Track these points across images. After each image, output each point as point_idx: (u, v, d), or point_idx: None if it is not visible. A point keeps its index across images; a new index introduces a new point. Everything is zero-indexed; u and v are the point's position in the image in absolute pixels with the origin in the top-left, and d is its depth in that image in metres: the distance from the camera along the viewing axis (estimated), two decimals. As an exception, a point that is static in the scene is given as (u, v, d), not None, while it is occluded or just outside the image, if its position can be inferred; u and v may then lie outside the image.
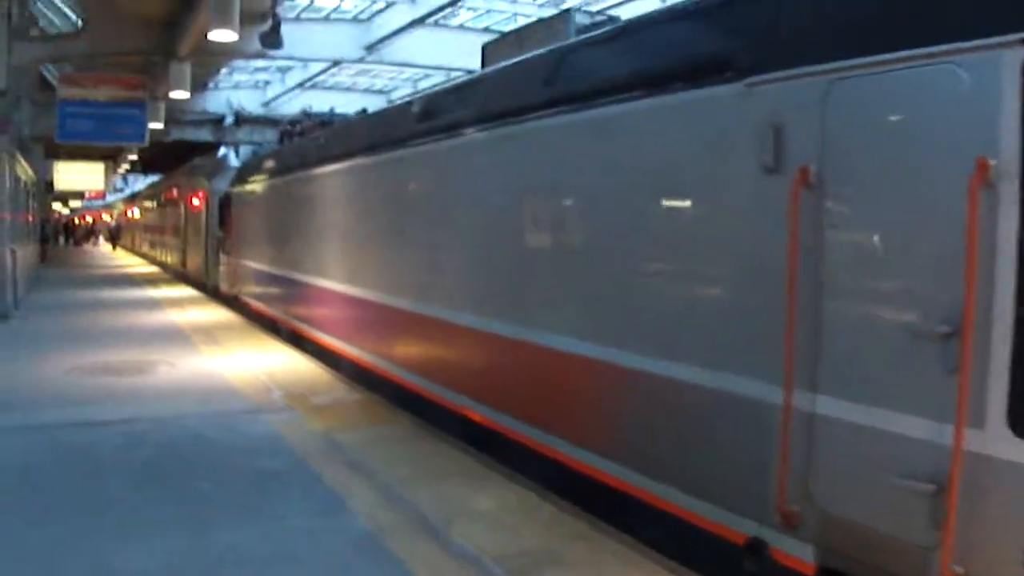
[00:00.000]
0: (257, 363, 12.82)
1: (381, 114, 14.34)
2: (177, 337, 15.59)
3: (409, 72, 27.54)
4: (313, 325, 14.29)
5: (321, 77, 27.55)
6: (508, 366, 7.84)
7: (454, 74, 20.22)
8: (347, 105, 22.04)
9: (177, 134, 30.45)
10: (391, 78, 29.27)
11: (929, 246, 4.31)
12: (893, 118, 4.48)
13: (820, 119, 4.75)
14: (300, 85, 28.21)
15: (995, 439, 4.02)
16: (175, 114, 28.11)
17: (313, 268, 14.15)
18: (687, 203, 5.96)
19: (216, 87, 29.87)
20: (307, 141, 16.23)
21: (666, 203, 6.14)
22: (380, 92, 30.36)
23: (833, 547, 4.78)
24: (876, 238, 4.59)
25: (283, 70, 28.44)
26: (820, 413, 4.78)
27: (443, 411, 9.02)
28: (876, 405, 4.50)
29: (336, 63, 24.38)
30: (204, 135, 31.40)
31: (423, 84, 26.71)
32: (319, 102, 23.97)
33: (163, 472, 7.37)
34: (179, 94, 21.45)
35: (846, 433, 4.65)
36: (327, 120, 17.72)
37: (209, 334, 15.98)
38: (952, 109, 4.18)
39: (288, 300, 16.14)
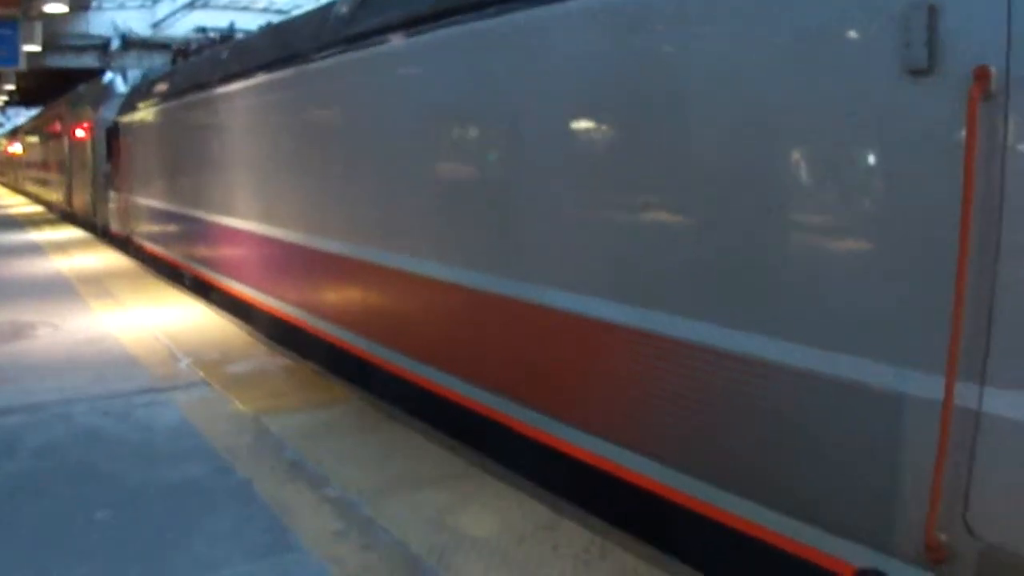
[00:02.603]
0: (158, 320, 10.85)
1: (304, 17, 12.15)
2: (62, 289, 13.44)
3: (313, -11, 25.38)
4: (222, 272, 12.26)
5: (216, -7, 25.24)
6: (497, 331, 6.03)
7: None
8: (245, 25, 19.70)
9: (58, 61, 27.80)
10: (292, -4, 27.08)
11: None
12: None
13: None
14: (191, 4, 25.77)
15: None
16: (55, 39, 25.49)
17: (221, 204, 12.04)
18: (796, 122, 3.96)
19: (100, 7, 27.12)
20: (207, 57, 14.07)
21: (762, 124, 4.18)
22: (280, 12, 27.83)
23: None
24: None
25: (174, -14, 25.99)
26: (993, 413, 3.20)
27: (397, 381, 7.26)
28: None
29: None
30: (88, 61, 28.90)
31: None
32: (214, 23, 21.55)
33: (42, 496, 5.37)
34: (56, 7, 18.94)
35: None
36: (227, 36, 15.64)
37: (100, 284, 13.88)
38: None
39: (191, 242, 13.99)
